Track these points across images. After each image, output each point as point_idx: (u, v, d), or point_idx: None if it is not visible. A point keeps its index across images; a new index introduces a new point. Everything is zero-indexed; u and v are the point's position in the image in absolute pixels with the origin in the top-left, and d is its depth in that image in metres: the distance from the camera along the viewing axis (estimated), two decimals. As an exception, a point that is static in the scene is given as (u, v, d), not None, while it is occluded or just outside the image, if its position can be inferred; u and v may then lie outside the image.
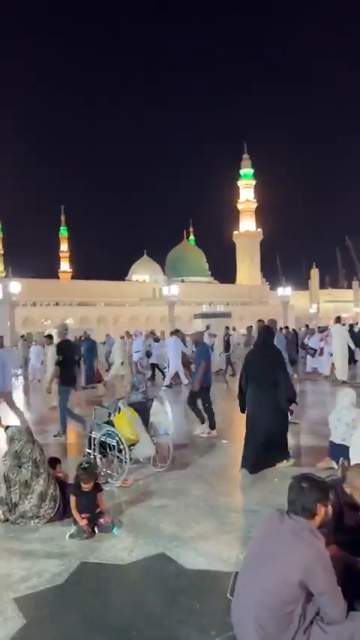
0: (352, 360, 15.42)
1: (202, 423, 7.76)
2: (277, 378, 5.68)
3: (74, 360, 9.00)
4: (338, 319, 15.07)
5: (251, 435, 5.70)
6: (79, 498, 4.18)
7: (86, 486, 4.20)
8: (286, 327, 19.21)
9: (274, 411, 5.67)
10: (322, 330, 17.64)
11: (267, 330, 6.51)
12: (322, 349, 15.58)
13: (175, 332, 15.28)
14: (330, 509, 2.56)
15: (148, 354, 16.45)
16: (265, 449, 5.63)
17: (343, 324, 15.57)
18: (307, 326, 22.15)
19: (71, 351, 8.39)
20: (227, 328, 17.87)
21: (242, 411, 5.96)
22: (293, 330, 18.89)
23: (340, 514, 3.03)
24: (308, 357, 16.75)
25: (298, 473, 2.81)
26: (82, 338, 16.03)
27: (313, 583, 2.27)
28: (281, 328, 15.37)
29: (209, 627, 2.74)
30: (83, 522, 4.05)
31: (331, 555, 2.51)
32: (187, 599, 3.05)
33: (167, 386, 13.83)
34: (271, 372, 5.71)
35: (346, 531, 3.05)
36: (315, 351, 16.09)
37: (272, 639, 2.26)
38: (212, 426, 7.69)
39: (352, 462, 4.76)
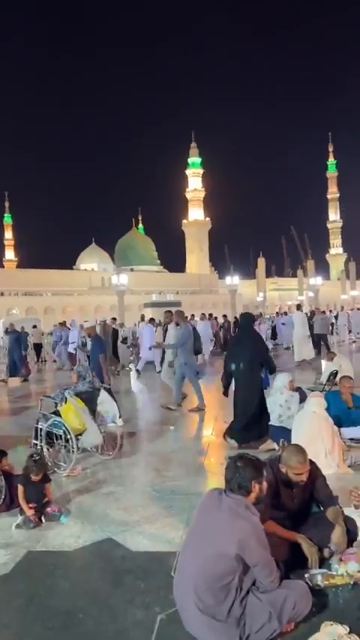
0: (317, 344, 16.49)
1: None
2: (264, 358, 6.46)
3: None
4: (299, 307, 16.90)
5: (241, 410, 6.12)
6: (26, 488, 4.18)
7: (36, 478, 4.22)
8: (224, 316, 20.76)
9: (260, 390, 6.23)
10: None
11: (247, 317, 7.10)
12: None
13: (151, 320, 15.86)
14: (265, 485, 2.72)
15: (84, 345, 16.34)
16: (253, 423, 6.06)
17: (306, 313, 17.35)
18: (260, 314, 22.76)
19: None
20: (169, 312, 16.70)
21: (226, 391, 6.47)
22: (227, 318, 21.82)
23: (276, 491, 3.22)
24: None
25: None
26: (8, 330, 15.56)
27: (248, 555, 2.42)
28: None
29: (153, 604, 2.85)
30: (30, 512, 4.06)
31: (267, 529, 2.68)
32: (132, 579, 3.15)
33: (137, 371, 13.95)
34: (257, 354, 6.28)
35: (282, 508, 3.24)
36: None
37: (211, 610, 2.40)
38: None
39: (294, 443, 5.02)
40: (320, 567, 3.02)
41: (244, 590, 2.48)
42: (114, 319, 18.18)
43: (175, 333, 8.96)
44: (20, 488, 4.20)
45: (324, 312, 21.24)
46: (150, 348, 13.56)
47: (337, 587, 2.88)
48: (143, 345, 14.65)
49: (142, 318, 17.53)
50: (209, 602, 2.40)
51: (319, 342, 16.53)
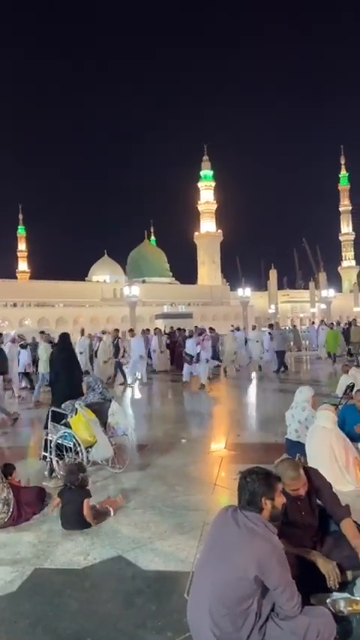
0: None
1: None
2: None
3: None
4: (271, 326, 19.37)
5: None
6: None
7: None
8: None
9: None
10: (200, 332, 14.73)
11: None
12: (198, 355, 13.27)
13: (146, 331, 15.87)
14: (279, 501, 2.56)
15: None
16: None
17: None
18: (195, 327, 19.74)
19: None
20: (116, 331, 16.00)
21: None
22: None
23: (285, 507, 3.06)
24: (185, 364, 14.00)
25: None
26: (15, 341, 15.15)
27: (268, 577, 2.27)
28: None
29: (166, 629, 2.70)
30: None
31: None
32: (143, 601, 3.00)
33: (128, 384, 13.96)
34: None
35: (292, 524, 3.08)
36: (191, 357, 13.45)
37: (228, 637, 2.25)
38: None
39: (309, 459, 4.85)
40: (342, 591, 2.84)
41: (264, 616, 2.32)
42: (117, 330, 16.68)
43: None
44: (86, 501, 4.15)
45: (289, 326, 21.08)
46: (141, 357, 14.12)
47: (361, 614, 2.70)
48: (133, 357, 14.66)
49: (131, 331, 17.01)
50: (226, 629, 2.25)
51: (282, 357, 16.32)
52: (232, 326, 23.29)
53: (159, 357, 18.22)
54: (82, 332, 17.37)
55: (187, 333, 17.74)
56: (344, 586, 2.90)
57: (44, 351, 11.35)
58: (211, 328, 21.18)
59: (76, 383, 7.08)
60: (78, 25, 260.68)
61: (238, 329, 21.59)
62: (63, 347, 7.79)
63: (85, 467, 4.46)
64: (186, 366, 13.53)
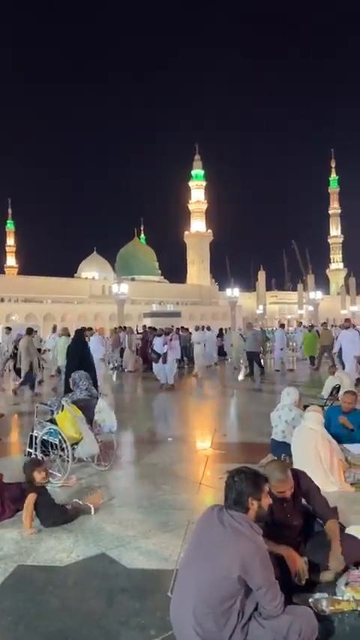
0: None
1: None
2: None
3: None
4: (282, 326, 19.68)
5: None
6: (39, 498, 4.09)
7: (40, 477, 4.17)
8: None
9: None
10: (168, 332, 14.12)
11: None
12: (165, 355, 12.74)
13: (118, 329, 15.62)
14: (265, 502, 2.56)
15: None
16: None
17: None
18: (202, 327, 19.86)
19: None
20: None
21: None
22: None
23: (270, 508, 3.08)
24: (153, 363, 13.65)
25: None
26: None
27: (251, 577, 2.27)
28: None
29: (149, 627, 2.70)
30: (28, 532, 3.91)
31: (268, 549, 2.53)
32: (127, 599, 2.99)
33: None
34: None
35: (277, 523, 3.10)
36: (158, 356, 12.95)
37: (211, 636, 2.25)
38: None
39: (294, 460, 4.88)
40: (325, 591, 2.87)
41: (246, 615, 2.32)
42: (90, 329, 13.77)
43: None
44: (32, 497, 4.03)
45: (257, 327, 20.61)
46: None
47: (343, 614, 2.73)
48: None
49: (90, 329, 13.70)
50: (209, 628, 2.25)
51: (252, 360, 15.75)
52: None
53: (130, 356, 18.13)
54: (54, 329, 16.82)
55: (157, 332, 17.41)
56: (327, 586, 2.92)
57: (63, 345, 11.43)
58: (184, 328, 21.10)
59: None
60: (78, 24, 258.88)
61: (209, 328, 20.91)
62: (77, 341, 8.72)
63: (41, 461, 4.41)
64: (157, 365, 13.05)
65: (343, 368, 12.08)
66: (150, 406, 11.07)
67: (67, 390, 6.65)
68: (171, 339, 12.89)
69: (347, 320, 13.99)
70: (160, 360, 12.76)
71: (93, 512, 4.27)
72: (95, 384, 7.00)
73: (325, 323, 23.40)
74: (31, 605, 2.95)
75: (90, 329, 12.91)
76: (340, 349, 12.64)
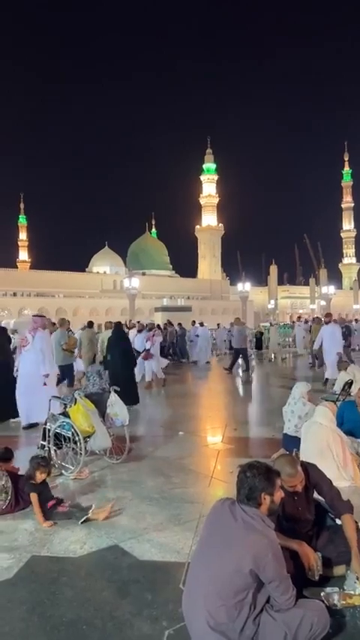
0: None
1: None
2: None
3: None
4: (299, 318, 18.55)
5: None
6: (41, 494, 4.16)
7: (41, 477, 4.21)
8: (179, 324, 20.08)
9: None
10: (151, 328, 13.35)
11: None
12: (148, 351, 12.13)
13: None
14: (277, 497, 2.56)
15: None
16: None
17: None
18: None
19: None
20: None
21: None
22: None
23: (282, 501, 3.07)
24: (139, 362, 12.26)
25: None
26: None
27: (263, 571, 2.28)
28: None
29: (161, 618, 2.73)
30: (47, 524, 3.99)
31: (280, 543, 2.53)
32: (139, 590, 3.02)
33: None
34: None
35: (289, 518, 3.10)
36: (138, 353, 12.18)
37: (223, 628, 2.27)
38: None
39: (301, 455, 4.87)
40: (336, 585, 2.87)
41: (258, 607, 2.34)
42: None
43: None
44: (34, 496, 4.12)
45: (244, 323, 18.50)
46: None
47: (355, 608, 2.73)
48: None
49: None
50: (221, 619, 2.27)
51: (237, 356, 15.45)
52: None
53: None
54: (90, 324, 16.61)
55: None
56: (339, 580, 2.92)
57: (107, 337, 11.41)
58: (170, 322, 20.50)
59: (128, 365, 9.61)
60: (79, 21, 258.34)
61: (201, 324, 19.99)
62: (117, 333, 9.88)
63: (46, 464, 4.40)
64: (146, 362, 12.35)
65: (321, 365, 11.65)
66: (160, 401, 11.11)
67: (111, 377, 7.13)
68: (153, 335, 12.46)
69: (328, 314, 13.33)
70: (141, 356, 12.11)
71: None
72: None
73: (317, 318, 22.09)
74: (45, 595, 3.00)
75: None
76: (321, 345, 12.21)
